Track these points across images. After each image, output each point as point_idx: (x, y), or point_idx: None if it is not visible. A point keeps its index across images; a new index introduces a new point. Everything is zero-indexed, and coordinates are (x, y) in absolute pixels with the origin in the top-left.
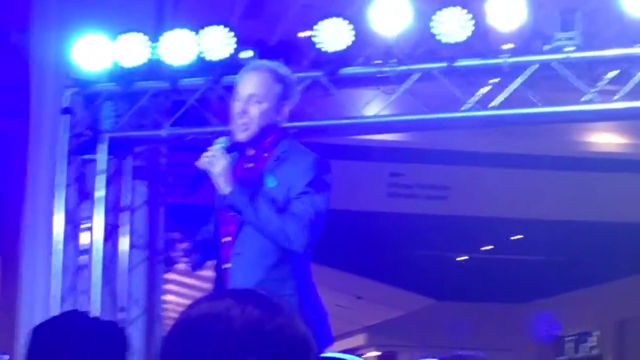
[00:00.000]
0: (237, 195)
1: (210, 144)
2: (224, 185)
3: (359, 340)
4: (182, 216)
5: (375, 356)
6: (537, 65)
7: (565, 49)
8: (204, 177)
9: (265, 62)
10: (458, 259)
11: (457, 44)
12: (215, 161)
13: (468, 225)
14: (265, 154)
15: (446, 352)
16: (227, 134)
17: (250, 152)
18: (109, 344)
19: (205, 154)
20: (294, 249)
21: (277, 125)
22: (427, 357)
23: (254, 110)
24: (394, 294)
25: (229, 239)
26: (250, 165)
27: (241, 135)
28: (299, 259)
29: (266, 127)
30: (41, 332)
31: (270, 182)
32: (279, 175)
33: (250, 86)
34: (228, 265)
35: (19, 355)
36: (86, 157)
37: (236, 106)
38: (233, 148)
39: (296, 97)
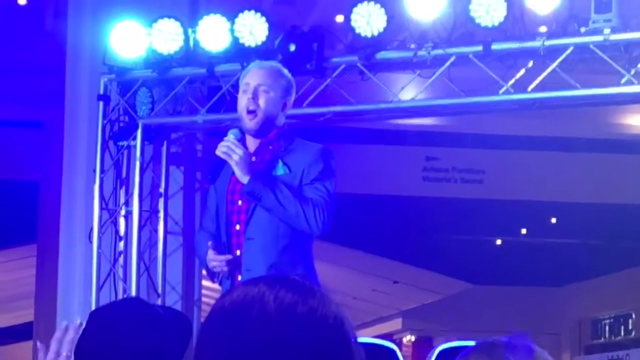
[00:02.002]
0: (257, 182)
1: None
2: (243, 173)
3: (395, 324)
4: None
5: (411, 340)
6: (573, 48)
7: (603, 32)
8: (222, 165)
9: (269, 62)
10: (496, 242)
11: (493, 28)
12: (232, 151)
13: (503, 208)
14: (270, 146)
15: (482, 336)
16: None
17: (255, 143)
18: (172, 330)
19: (222, 144)
20: (313, 232)
21: (279, 120)
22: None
23: (262, 99)
24: (430, 279)
25: (238, 227)
26: (254, 158)
27: (250, 124)
28: (305, 242)
29: (272, 117)
30: (100, 317)
31: (281, 170)
32: (288, 163)
33: (258, 77)
34: (238, 252)
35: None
36: (122, 143)
37: (244, 97)
38: (243, 138)
39: (292, 100)
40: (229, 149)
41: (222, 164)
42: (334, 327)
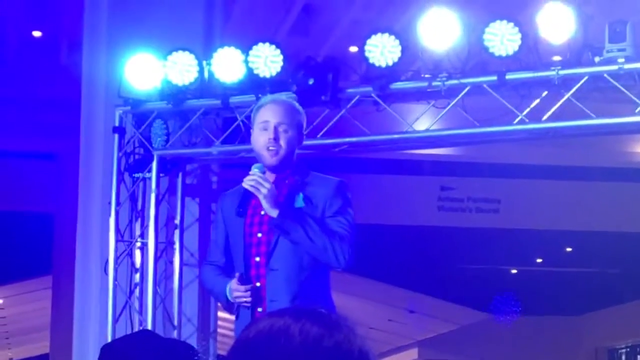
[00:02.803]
0: (287, 216)
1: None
2: (271, 207)
3: (411, 354)
4: None
5: None
6: (587, 78)
7: (617, 61)
8: (250, 199)
9: (282, 96)
10: (512, 271)
11: (507, 57)
12: (261, 185)
13: (519, 238)
14: (286, 180)
15: None
16: None
17: (272, 176)
18: None
19: (249, 177)
20: (339, 265)
21: (295, 155)
22: None
23: (283, 139)
24: (446, 308)
25: (258, 259)
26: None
27: (271, 161)
28: (325, 273)
29: (291, 154)
30: (111, 351)
31: (300, 203)
32: (308, 196)
33: (277, 115)
34: (258, 284)
35: None
36: (138, 175)
37: (263, 135)
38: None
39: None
40: (257, 182)
41: (247, 197)
42: None
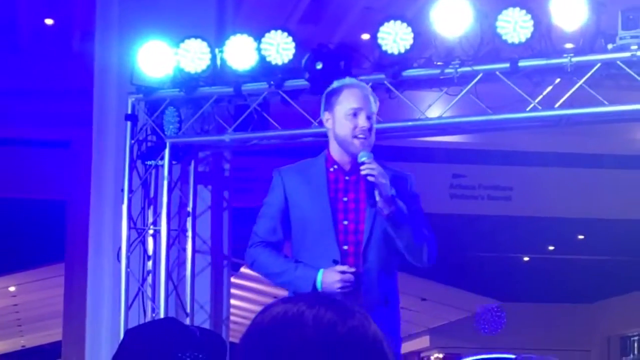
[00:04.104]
0: (399, 211)
1: (273, 147)
2: (386, 199)
3: (423, 342)
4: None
5: (439, 358)
6: (600, 65)
7: (630, 48)
8: (370, 187)
9: (362, 82)
10: (524, 259)
11: (519, 44)
12: (383, 175)
13: (531, 225)
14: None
15: (511, 353)
16: (289, 138)
17: (350, 163)
18: (208, 352)
19: (369, 166)
20: (423, 265)
21: None
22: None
23: (372, 126)
24: (458, 296)
25: (346, 247)
26: (347, 177)
27: (359, 148)
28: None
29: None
30: (135, 336)
31: (378, 196)
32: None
33: (368, 102)
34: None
35: None
36: (150, 163)
37: (353, 121)
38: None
39: None
40: (379, 172)
41: (370, 186)
42: (373, 347)
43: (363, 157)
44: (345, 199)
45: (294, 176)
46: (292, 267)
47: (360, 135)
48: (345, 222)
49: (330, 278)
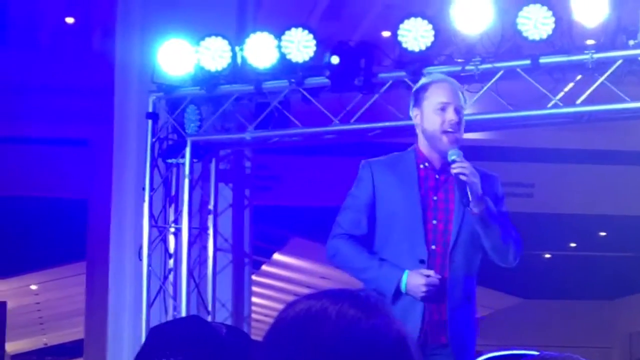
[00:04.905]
0: (490, 211)
1: (294, 145)
2: (478, 199)
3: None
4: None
5: None
6: (621, 61)
7: None
8: (462, 186)
9: (451, 78)
10: (545, 256)
11: (540, 41)
12: (474, 175)
13: (553, 222)
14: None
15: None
16: (310, 136)
17: (438, 164)
18: (233, 350)
19: (461, 164)
20: (508, 266)
21: None
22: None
23: (461, 120)
24: (480, 293)
25: (434, 247)
26: (437, 176)
27: (447, 145)
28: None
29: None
30: (160, 333)
31: (470, 195)
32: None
33: (457, 97)
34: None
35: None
36: (171, 161)
37: (441, 115)
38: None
39: None
40: (471, 171)
41: (463, 185)
42: (396, 345)
43: (453, 155)
44: (435, 197)
45: (385, 170)
46: (376, 264)
47: (449, 129)
48: (435, 222)
49: (416, 281)
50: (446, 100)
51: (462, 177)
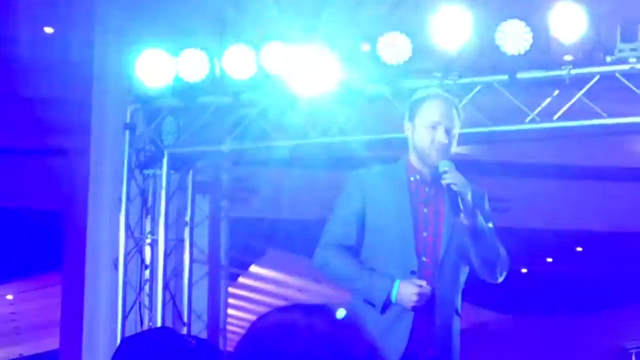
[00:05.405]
0: (479, 223)
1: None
2: (469, 211)
3: None
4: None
5: None
6: (599, 77)
7: (629, 60)
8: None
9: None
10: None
11: (518, 56)
12: (465, 186)
13: (530, 237)
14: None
15: None
16: (287, 148)
17: (430, 175)
18: None
19: (452, 174)
20: (494, 281)
21: None
22: None
23: (451, 142)
24: None
25: (425, 258)
26: (427, 189)
27: (435, 161)
28: None
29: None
30: (131, 345)
31: (462, 205)
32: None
33: (451, 118)
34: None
35: None
36: (148, 172)
37: (431, 133)
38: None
39: None
40: (462, 182)
41: (454, 196)
42: (366, 359)
43: (444, 166)
44: (425, 210)
45: (375, 181)
46: (366, 273)
47: (438, 149)
48: (425, 234)
49: (408, 290)
50: (437, 120)
51: (454, 187)
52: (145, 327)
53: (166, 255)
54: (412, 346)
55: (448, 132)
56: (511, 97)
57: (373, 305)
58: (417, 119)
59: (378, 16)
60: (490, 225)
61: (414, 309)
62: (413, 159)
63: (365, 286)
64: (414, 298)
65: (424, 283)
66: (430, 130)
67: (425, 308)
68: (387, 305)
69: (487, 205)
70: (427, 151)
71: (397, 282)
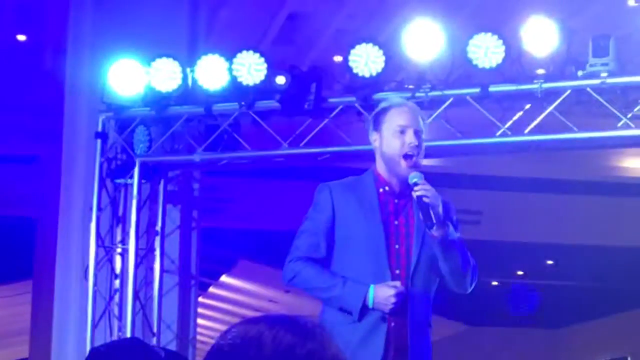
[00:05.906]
0: (449, 235)
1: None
2: (440, 224)
3: None
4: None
5: None
6: (570, 91)
7: (600, 75)
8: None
9: (411, 102)
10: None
11: (490, 70)
12: (436, 198)
13: (500, 250)
14: (411, 191)
15: None
16: (259, 159)
17: (397, 187)
18: None
19: (424, 187)
20: (463, 292)
21: None
22: None
23: (421, 144)
24: None
25: (398, 271)
26: (396, 201)
27: (405, 170)
28: None
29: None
30: (99, 355)
31: (434, 217)
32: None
33: (416, 121)
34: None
35: None
36: (119, 181)
37: (400, 138)
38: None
39: None
40: (433, 194)
41: (426, 208)
42: None
43: (415, 178)
44: (396, 222)
45: (344, 193)
46: (339, 282)
47: (409, 152)
48: (397, 246)
49: (384, 292)
50: (405, 124)
51: (425, 200)
52: (115, 336)
53: (136, 265)
54: (387, 357)
55: (417, 134)
56: (483, 111)
57: (349, 312)
58: (384, 126)
59: (351, 27)
60: (460, 236)
61: (392, 311)
62: (381, 170)
63: (339, 294)
64: (392, 299)
65: (398, 284)
66: (399, 135)
67: (402, 310)
68: (363, 312)
69: (455, 217)
70: (397, 159)
71: (372, 287)
